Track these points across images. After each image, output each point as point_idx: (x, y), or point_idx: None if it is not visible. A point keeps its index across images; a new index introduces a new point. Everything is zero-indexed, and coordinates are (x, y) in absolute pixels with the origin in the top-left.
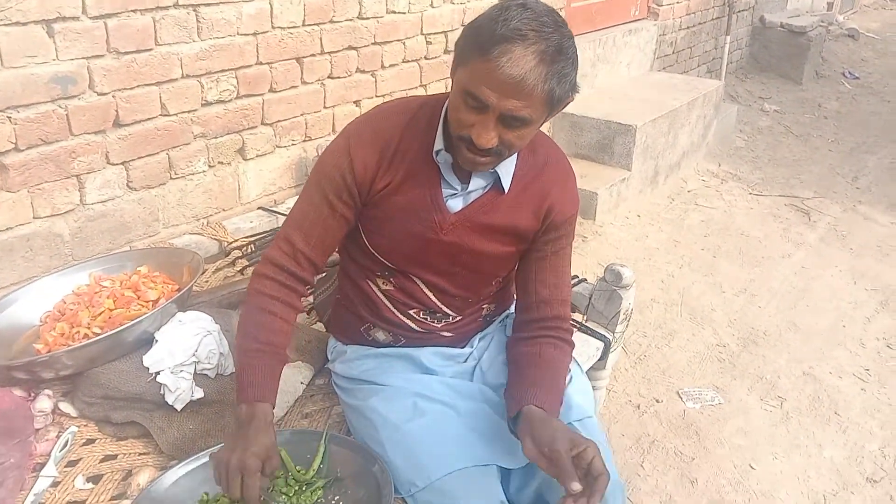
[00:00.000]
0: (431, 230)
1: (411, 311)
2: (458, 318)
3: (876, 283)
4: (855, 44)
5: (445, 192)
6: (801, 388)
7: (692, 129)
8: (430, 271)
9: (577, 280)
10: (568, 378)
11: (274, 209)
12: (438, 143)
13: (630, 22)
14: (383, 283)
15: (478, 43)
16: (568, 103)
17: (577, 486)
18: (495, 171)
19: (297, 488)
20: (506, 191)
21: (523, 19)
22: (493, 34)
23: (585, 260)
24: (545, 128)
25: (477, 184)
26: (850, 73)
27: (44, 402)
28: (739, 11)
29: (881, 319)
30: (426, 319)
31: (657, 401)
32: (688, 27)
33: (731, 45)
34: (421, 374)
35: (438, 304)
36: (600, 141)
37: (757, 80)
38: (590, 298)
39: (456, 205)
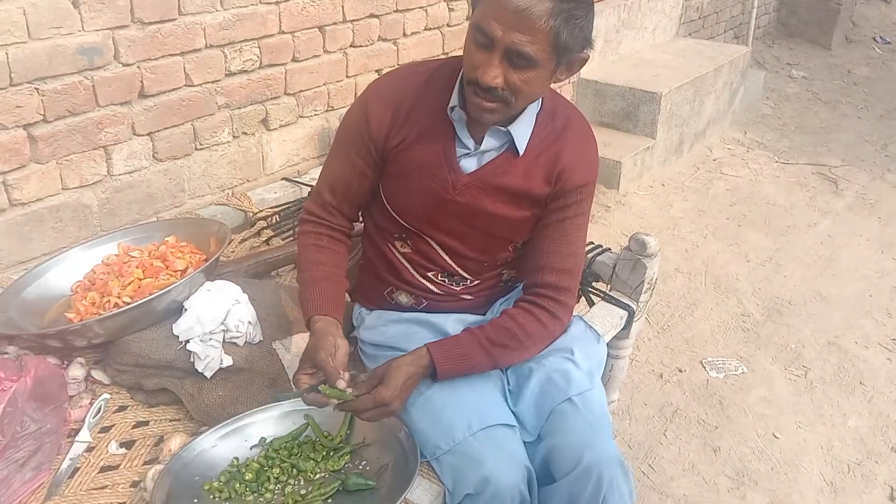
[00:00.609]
0: (445, 190)
1: (430, 274)
2: (475, 282)
3: None
4: (888, 7)
5: (459, 151)
6: (825, 357)
7: (718, 97)
8: (445, 232)
9: (600, 249)
10: (553, 350)
11: (298, 179)
12: (454, 100)
13: None
14: (402, 245)
15: None
16: (582, 61)
17: (341, 383)
18: (509, 133)
19: (324, 453)
20: (521, 153)
21: None
22: None
23: (609, 229)
24: (567, 94)
25: (490, 143)
26: (881, 37)
27: (77, 370)
28: None
29: None
30: (444, 282)
31: (680, 370)
32: None
33: (758, 9)
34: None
35: (455, 266)
36: (624, 109)
37: (785, 45)
38: (614, 268)
39: (470, 165)
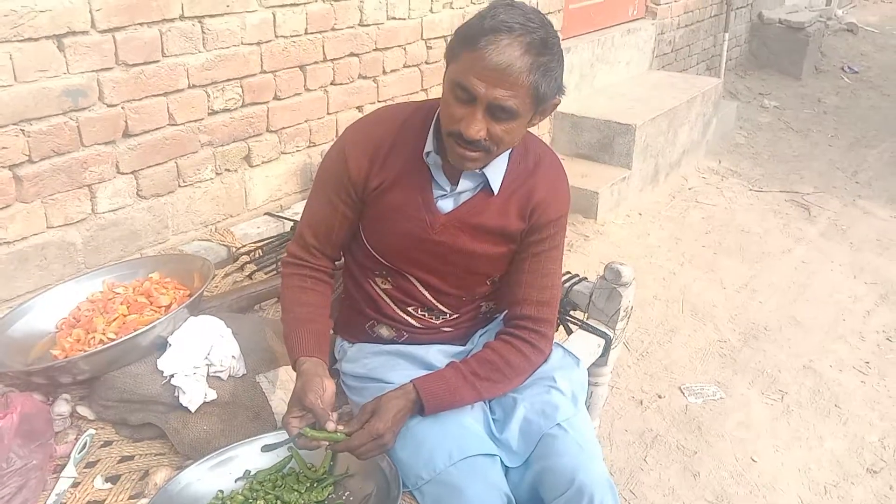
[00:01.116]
0: (423, 230)
1: (410, 309)
2: (455, 316)
3: (876, 276)
4: (854, 38)
5: (436, 192)
6: (801, 381)
7: (692, 127)
8: (424, 270)
9: (577, 279)
10: (536, 379)
11: (280, 214)
12: (428, 146)
13: (628, 21)
14: (382, 282)
15: (466, 37)
16: (555, 105)
17: (330, 425)
18: (484, 174)
19: (308, 485)
20: (495, 193)
21: (511, 14)
22: (481, 27)
23: (588, 258)
24: (545, 127)
25: (465, 185)
26: (849, 67)
27: (62, 406)
28: (737, 8)
29: (881, 313)
30: (424, 316)
31: (659, 396)
32: (686, 25)
33: (729, 42)
34: (425, 371)
35: (434, 301)
36: (600, 140)
37: (756, 76)
38: (590, 296)
39: (446, 206)
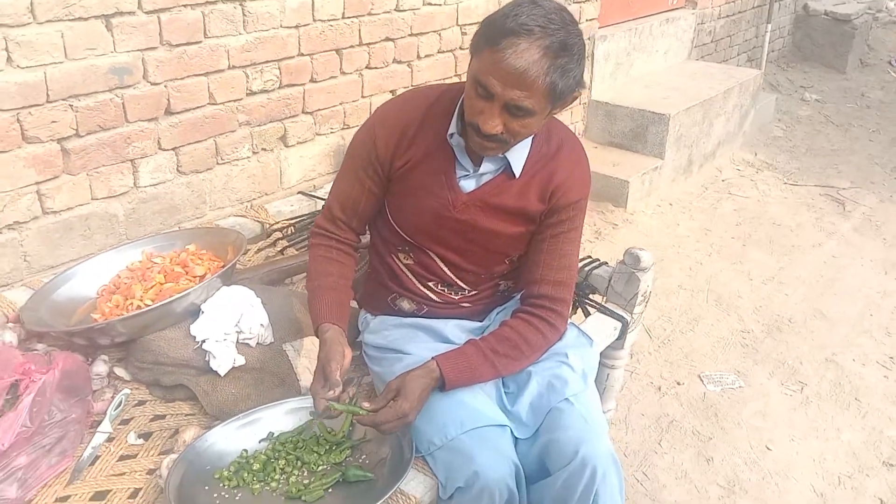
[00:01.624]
0: (445, 208)
1: (430, 284)
2: (474, 292)
3: None
4: None
5: (459, 172)
6: (822, 373)
7: (728, 119)
8: (445, 247)
9: (597, 263)
10: (549, 355)
11: (313, 194)
12: (452, 128)
13: (668, 11)
14: (405, 257)
15: (488, 35)
16: (575, 98)
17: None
18: (506, 157)
19: (327, 447)
20: (517, 176)
21: (532, 15)
22: (503, 27)
23: (615, 246)
24: (579, 115)
25: (488, 167)
26: None
27: (100, 367)
28: None
29: None
30: (444, 291)
31: (678, 383)
32: (727, 16)
33: (772, 33)
34: (442, 344)
35: (454, 277)
36: (633, 129)
37: (799, 69)
38: (609, 280)
39: (469, 185)
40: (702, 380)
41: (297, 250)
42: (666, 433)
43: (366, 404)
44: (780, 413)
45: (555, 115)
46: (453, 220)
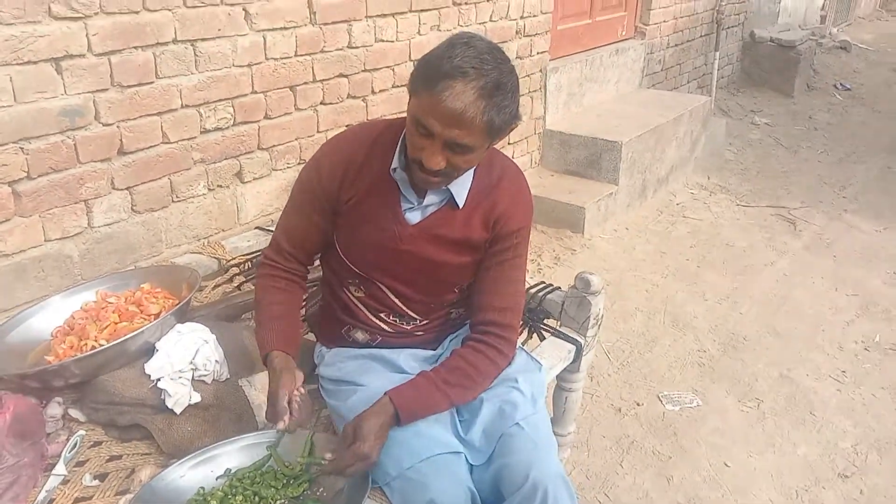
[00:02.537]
0: (392, 240)
1: (382, 315)
2: (425, 321)
3: (857, 289)
4: (847, 56)
5: (404, 205)
6: (777, 389)
7: (680, 144)
8: (394, 278)
9: (550, 288)
10: (500, 381)
11: (270, 229)
12: (395, 162)
13: (617, 42)
14: (356, 290)
15: (425, 77)
16: (512, 129)
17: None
18: (449, 189)
19: (284, 481)
20: (460, 206)
21: (466, 57)
22: (439, 70)
23: (573, 271)
24: (534, 144)
25: (432, 199)
26: (841, 84)
27: (54, 409)
28: (729, 28)
29: (860, 324)
30: (396, 322)
31: (638, 404)
32: (676, 45)
33: (721, 60)
34: (397, 374)
35: (404, 308)
36: (588, 157)
37: (748, 94)
38: (562, 305)
39: (414, 217)
40: (661, 400)
41: (253, 285)
42: (627, 454)
43: (328, 455)
44: (737, 430)
45: (497, 146)
46: (401, 251)
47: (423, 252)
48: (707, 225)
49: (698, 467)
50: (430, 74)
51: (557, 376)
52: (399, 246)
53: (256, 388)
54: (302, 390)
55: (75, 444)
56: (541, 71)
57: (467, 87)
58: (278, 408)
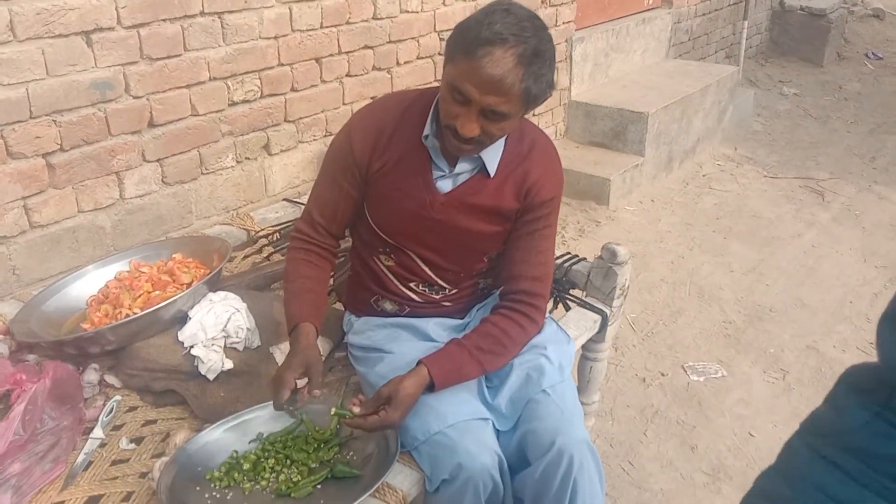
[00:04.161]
0: (423, 208)
1: (411, 284)
2: (454, 291)
3: (886, 260)
4: (880, 24)
5: (435, 173)
6: (804, 361)
7: (706, 115)
8: (424, 247)
9: (576, 259)
10: (529, 348)
11: (298, 200)
12: (427, 130)
13: (644, 11)
14: (386, 259)
15: (464, 43)
16: (546, 99)
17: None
18: (480, 157)
19: (315, 446)
20: (491, 175)
21: (505, 23)
22: (478, 36)
23: (598, 244)
24: (559, 115)
25: (463, 167)
26: (873, 53)
27: (91, 375)
28: None
29: (888, 295)
30: (425, 291)
31: (662, 374)
32: (704, 14)
33: (749, 30)
34: (425, 342)
35: (434, 277)
36: (613, 128)
37: (777, 63)
38: (588, 275)
39: (445, 186)
40: (685, 370)
41: (282, 256)
42: (651, 423)
43: (356, 409)
44: (762, 400)
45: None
46: (432, 220)
47: (454, 220)
48: (734, 196)
49: (723, 437)
50: (468, 40)
51: (582, 346)
52: (430, 214)
53: (286, 356)
54: (316, 393)
55: (112, 409)
56: (566, 41)
57: (506, 53)
58: (279, 392)
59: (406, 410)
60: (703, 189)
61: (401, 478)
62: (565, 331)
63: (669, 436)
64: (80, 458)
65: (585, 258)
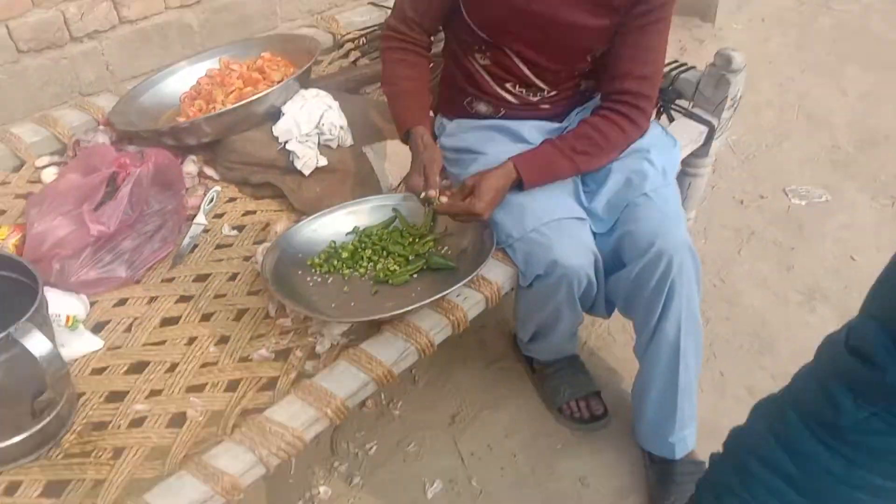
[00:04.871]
0: (522, 0)
1: (508, 85)
2: (553, 93)
3: None
4: None
5: None
6: None
7: None
8: (523, 44)
9: (685, 67)
10: (631, 152)
11: (383, 4)
12: None
13: None
14: (481, 57)
15: None
16: None
17: (432, 192)
18: None
19: (411, 240)
20: None
21: None
22: None
23: (700, 63)
24: None
25: None
26: None
27: (190, 166)
28: None
29: None
30: (522, 93)
31: (762, 197)
32: None
33: None
34: (520, 145)
35: (532, 77)
36: None
37: None
38: (697, 84)
39: None
40: (786, 193)
41: (370, 60)
42: (746, 244)
43: (443, 199)
44: (867, 226)
45: None
46: (531, 12)
47: (557, 13)
48: (854, 17)
49: (821, 259)
50: None
51: (683, 161)
52: (530, 6)
53: (379, 156)
54: (433, 193)
55: (212, 199)
56: None
57: None
58: (430, 180)
59: (491, 202)
60: (821, 8)
61: (496, 272)
62: (671, 135)
63: (765, 256)
64: (186, 240)
65: (695, 67)
